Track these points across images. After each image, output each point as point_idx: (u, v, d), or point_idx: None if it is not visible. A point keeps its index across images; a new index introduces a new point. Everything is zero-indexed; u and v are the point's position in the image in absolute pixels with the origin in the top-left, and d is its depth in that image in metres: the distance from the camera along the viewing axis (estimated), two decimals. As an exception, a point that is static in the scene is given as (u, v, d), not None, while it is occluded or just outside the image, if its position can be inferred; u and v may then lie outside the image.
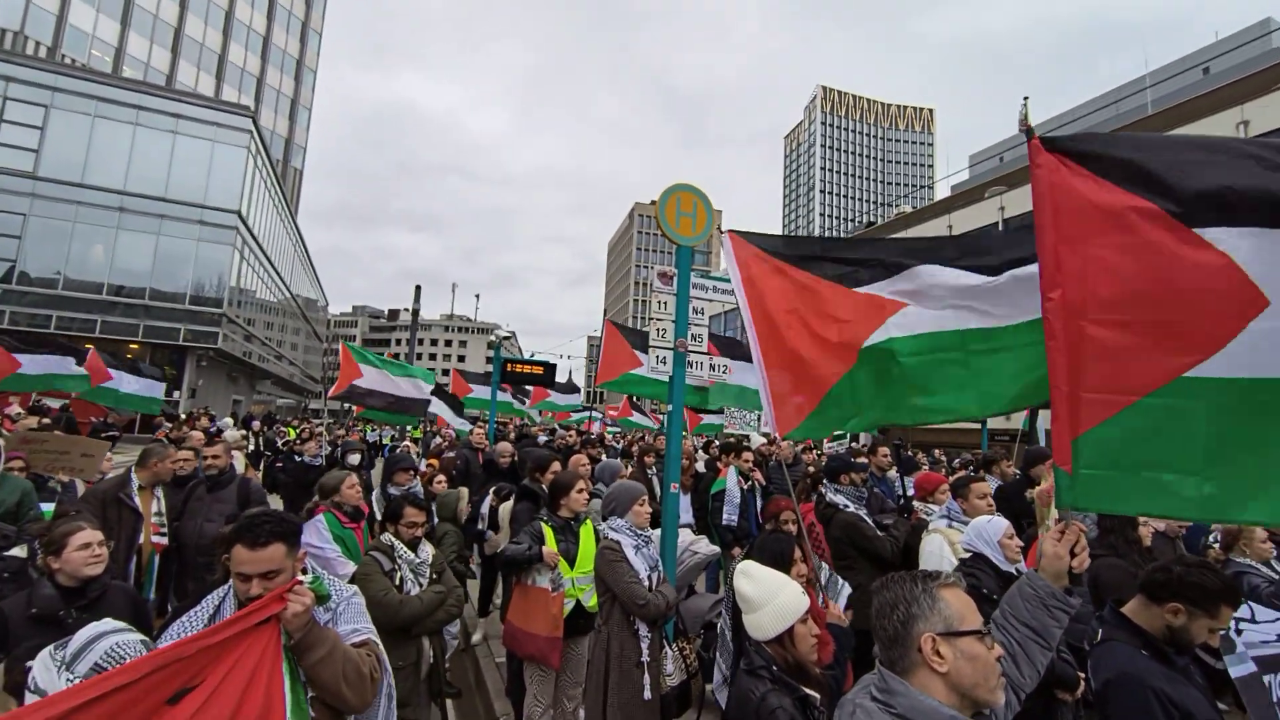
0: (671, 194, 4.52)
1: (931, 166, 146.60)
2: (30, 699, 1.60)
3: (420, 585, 3.26)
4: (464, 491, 5.65)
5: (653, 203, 4.55)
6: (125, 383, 9.96)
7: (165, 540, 4.38)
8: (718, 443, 9.84)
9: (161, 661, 1.46)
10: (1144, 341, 1.76)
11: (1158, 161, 1.79)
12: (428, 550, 3.43)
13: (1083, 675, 2.54)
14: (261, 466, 13.06)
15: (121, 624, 1.85)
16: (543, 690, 3.60)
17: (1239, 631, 2.20)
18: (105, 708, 1.35)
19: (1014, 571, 2.90)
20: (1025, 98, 2.12)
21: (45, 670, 1.60)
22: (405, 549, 3.31)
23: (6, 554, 3.23)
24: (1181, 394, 1.72)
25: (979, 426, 12.00)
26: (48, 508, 4.38)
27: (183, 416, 16.18)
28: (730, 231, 3.44)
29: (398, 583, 3.18)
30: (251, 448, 15.15)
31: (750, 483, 6.18)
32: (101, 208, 25.79)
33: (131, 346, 26.35)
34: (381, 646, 2.04)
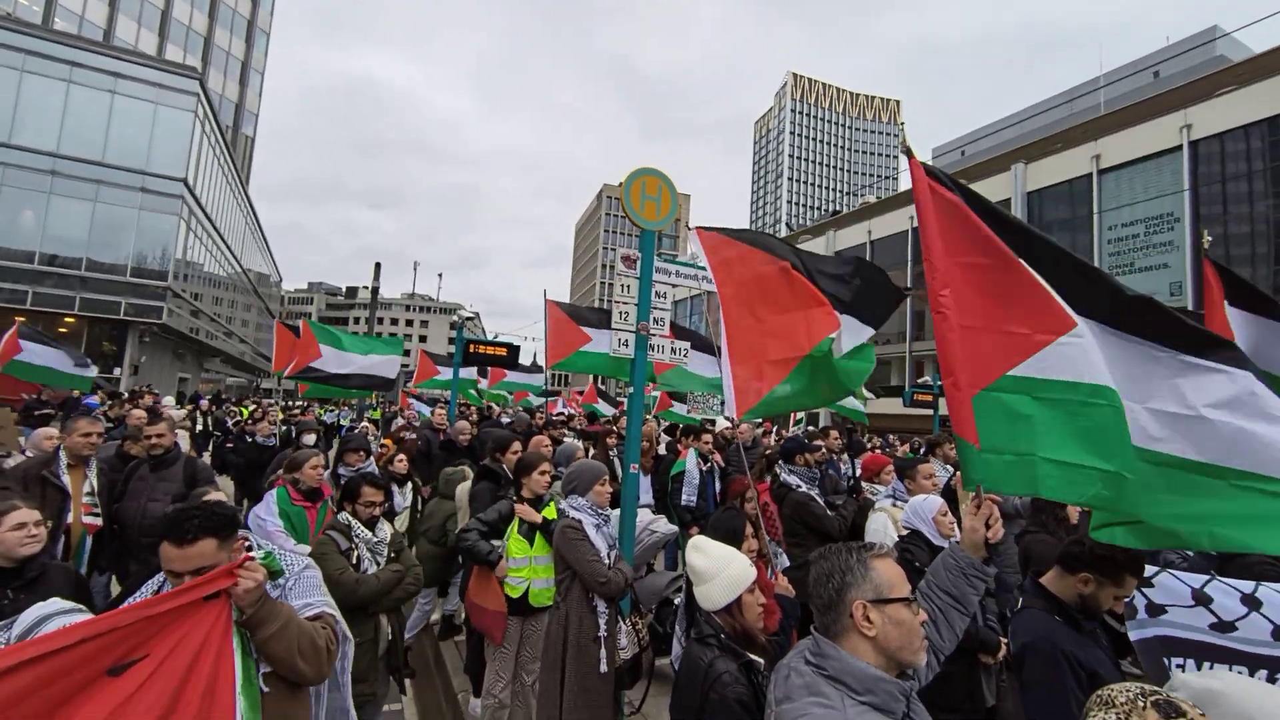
0: (636, 178, 4.52)
1: (897, 157, 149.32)
2: None
3: (378, 564, 3.25)
4: (468, 470, 5.61)
5: (620, 185, 4.55)
6: (36, 355, 9.43)
7: (97, 521, 4.23)
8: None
9: (99, 629, 1.43)
10: (987, 345, 2.14)
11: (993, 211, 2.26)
12: (386, 529, 3.42)
13: (1005, 640, 2.73)
14: (211, 447, 12.65)
15: (71, 604, 1.79)
16: (503, 665, 3.65)
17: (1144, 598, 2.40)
18: (38, 672, 1.31)
19: (945, 546, 3.08)
20: (902, 122, 2.49)
21: None
22: (363, 528, 3.29)
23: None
24: (1011, 389, 2.11)
25: (930, 412, 12.49)
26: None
27: (124, 395, 15.48)
28: (698, 227, 3.66)
29: (355, 561, 3.17)
30: (199, 428, 14.64)
31: (709, 464, 6.32)
32: (31, 170, 24.09)
33: (67, 319, 24.94)
34: (340, 618, 2.05)
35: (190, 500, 3.24)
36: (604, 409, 15.57)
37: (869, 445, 12.38)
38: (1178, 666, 2.08)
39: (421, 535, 5.35)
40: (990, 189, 25.33)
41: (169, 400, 15.22)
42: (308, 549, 3.44)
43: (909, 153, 2.37)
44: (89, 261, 25.25)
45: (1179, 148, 21.29)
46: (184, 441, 7.79)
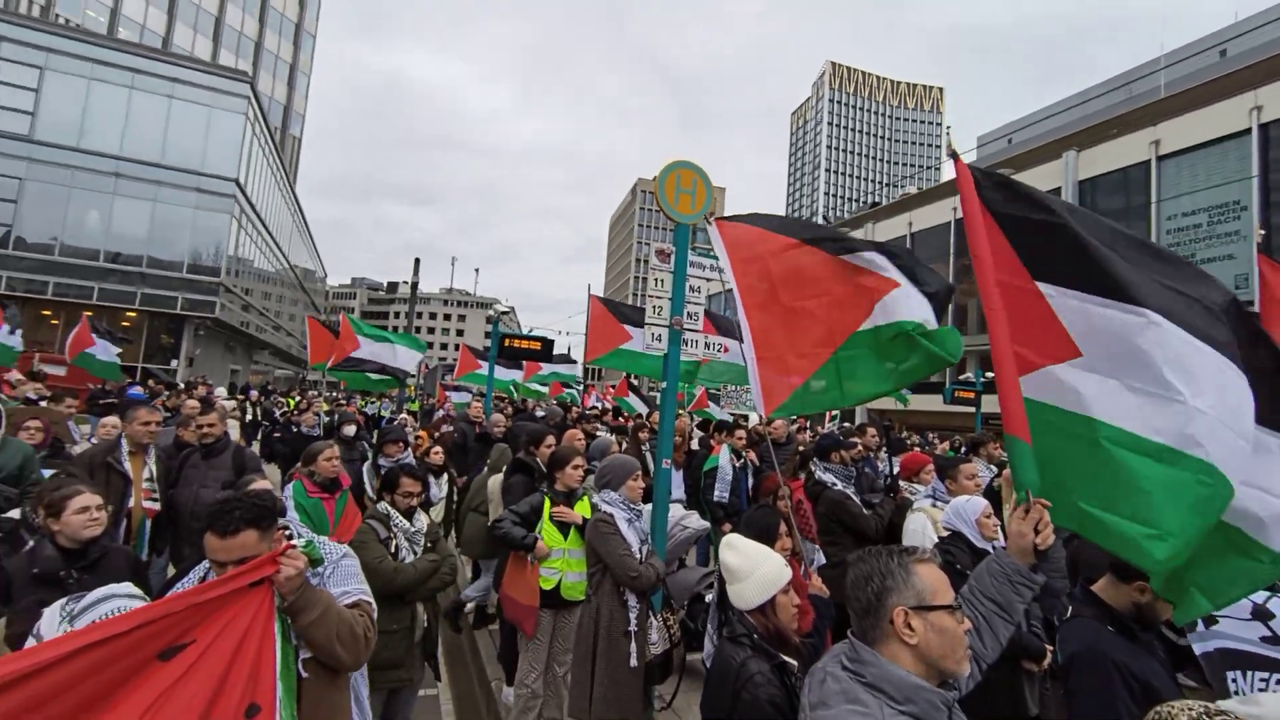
0: (671, 171, 4.49)
1: (939, 147, 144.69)
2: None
3: (415, 553, 3.32)
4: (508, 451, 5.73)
5: (654, 179, 4.53)
6: (102, 350, 10.00)
7: (156, 505, 4.45)
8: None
9: (151, 616, 1.49)
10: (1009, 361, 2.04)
11: (1029, 215, 2.17)
12: (423, 520, 3.49)
13: (1050, 647, 2.62)
14: (260, 436, 13.17)
15: (137, 591, 1.87)
16: (536, 656, 3.70)
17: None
18: (95, 657, 1.38)
19: (989, 549, 2.98)
20: (948, 127, 2.42)
21: (51, 619, 1.65)
22: (401, 518, 3.37)
23: (4, 515, 3.29)
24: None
25: (972, 410, 12.10)
26: (49, 472, 4.44)
27: (180, 385, 16.24)
28: (718, 219, 3.50)
29: (393, 550, 3.24)
30: (249, 418, 15.27)
31: (743, 460, 6.26)
32: (97, 173, 25.44)
33: (129, 314, 26.28)
34: (374, 606, 2.10)
35: (238, 488, 3.38)
36: (635, 404, 15.61)
37: (909, 443, 12.09)
38: (1231, 680, 1.97)
39: (473, 510, 5.45)
40: (1039, 178, 24.30)
41: (221, 391, 15.90)
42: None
43: (954, 155, 2.28)
44: (149, 259, 26.56)
45: (1247, 131, 19.98)
46: (234, 431, 8.14)
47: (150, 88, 26.48)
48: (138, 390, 10.63)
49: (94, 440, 5.03)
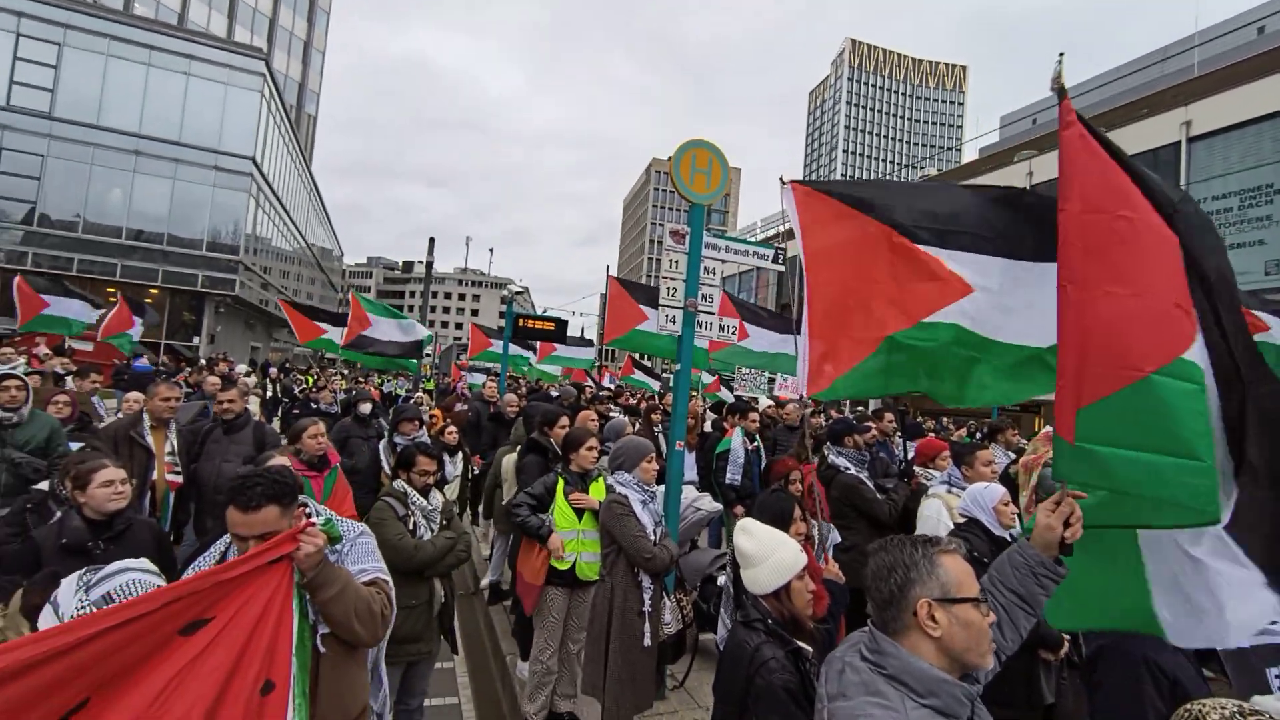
0: (686, 150, 4.42)
1: (961, 128, 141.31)
2: (45, 618, 1.69)
3: (432, 530, 3.35)
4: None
5: (669, 159, 4.46)
6: (135, 327, 10.19)
7: (179, 479, 4.54)
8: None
9: (176, 594, 1.52)
10: (1146, 319, 1.77)
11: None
12: (438, 498, 3.52)
13: (1067, 637, 2.60)
14: (280, 412, 13.39)
15: (152, 567, 1.90)
16: (551, 634, 3.76)
17: None
18: (121, 635, 1.41)
19: (1007, 537, 2.94)
20: (1060, 54, 1.97)
21: (68, 590, 1.69)
22: (418, 495, 3.40)
23: (34, 487, 3.37)
24: (1180, 375, 1.73)
25: (990, 396, 11.95)
26: (77, 446, 4.54)
27: (202, 362, 16.51)
28: (794, 182, 3.23)
29: (411, 528, 3.28)
30: (269, 394, 15.51)
31: (755, 443, 6.25)
32: (118, 150, 25.66)
33: (151, 291, 26.65)
34: (391, 583, 2.13)
35: (258, 463, 3.43)
36: (645, 380, 15.65)
37: (924, 428, 11.98)
38: (1276, 676, 1.92)
39: (498, 487, 5.64)
40: (1066, 160, 23.66)
41: (242, 368, 16.17)
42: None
43: (1062, 92, 1.93)
44: (169, 237, 26.88)
45: (1286, 111, 19.27)
46: (255, 407, 8.28)
47: (167, 65, 26.55)
48: (144, 364, 10.80)
49: (120, 415, 5.14)
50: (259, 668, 1.58)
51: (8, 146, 23.94)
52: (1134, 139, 23.42)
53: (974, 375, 2.79)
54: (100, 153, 25.38)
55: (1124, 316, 1.77)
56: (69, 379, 6.88)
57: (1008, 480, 4.83)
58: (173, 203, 26.88)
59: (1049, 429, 3.74)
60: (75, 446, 4.41)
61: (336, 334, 10.19)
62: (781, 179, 3.24)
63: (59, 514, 2.91)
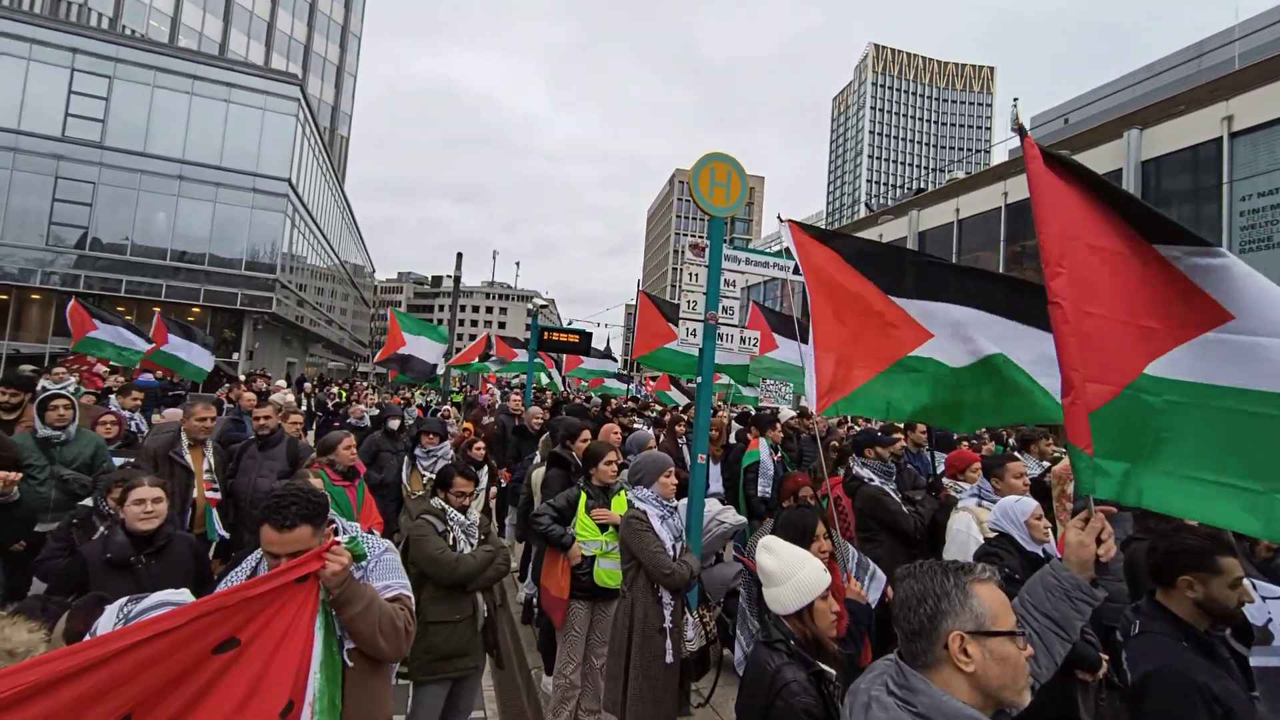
0: (705, 164, 4.44)
1: (989, 129, 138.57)
2: None
3: (471, 544, 3.38)
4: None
5: (689, 171, 4.50)
6: (179, 349, 10.54)
7: (218, 495, 4.69)
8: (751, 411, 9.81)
9: (205, 609, 1.57)
10: (1121, 336, 1.92)
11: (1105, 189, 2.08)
12: (475, 514, 3.57)
13: (1105, 656, 2.50)
14: (314, 426, 13.73)
15: (191, 598, 1.97)
16: (574, 648, 3.76)
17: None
18: (150, 650, 1.45)
19: (1040, 553, 2.85)
20: (1015, 99, 2.30)
21: (109, 618, 1.75)
22: (456, 512, 3.43)
23: (80, 503, 3.52)
24: (1147, 389, 1.90)
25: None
26: (121, 461, 4.73)
27: (241, 378, 17.05)
28: (790, 221, 3.58)
29: (450, 543, 3.31)
30: (304, 408, 15.93)
31: (780, 454, 6.19)
32: (163, 176, 26.83)
33: (194, 310, 27.70)
34: (414, 600, 2.16)
35: (293, 479, 3.53)
36: (676, 397, 15.60)
37: (954, 438, 11.64)
38: None
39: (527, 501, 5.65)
40: (1098, 159, 23.00)
41: (280, 383, 16.64)
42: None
43: (1022, 131, 2.15)
44: (210, 257, 27.92)
45: (1335, 104, 18.45)
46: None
47: (209, 93, 27.73)
48: (148, 378, 11.11)
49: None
50: (281, 688, 1.62)
51: (63, 175, 25.23)
52: (1171, 137, 22.68)
53: (963, 403, 3.17)
54: (147, 178, 26.58)
55: (1106, 334, 1.91)
56: (112, 397, 7.16)
57: (1041, 489, 4.68)
58: (214, 224, 27.95)
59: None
60: (119, 463, 4.60)
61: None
62: (779, 217, 3.72)
63: (103, 529, 3.04)
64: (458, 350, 14.11)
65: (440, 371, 10.51)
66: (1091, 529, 1.69)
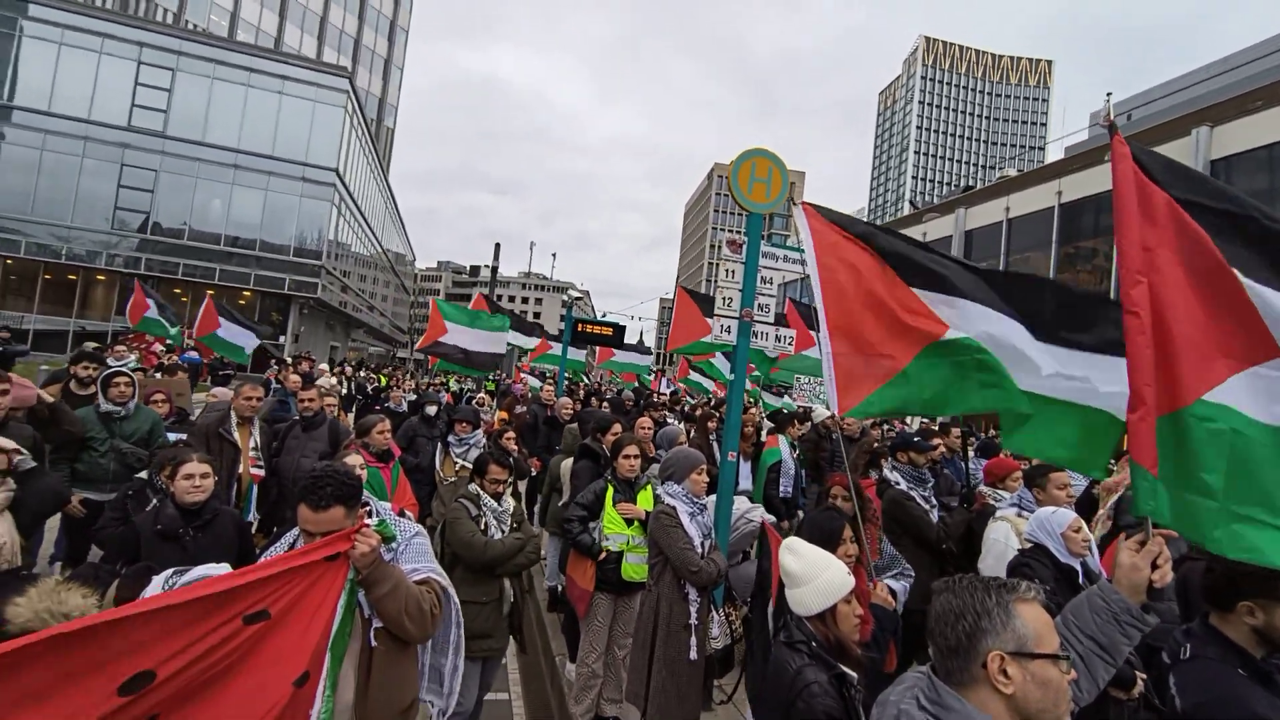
0: (746, 159, 4.39)
1: (1044, 125, 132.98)
2: None
3: (503, 531, 3.48)
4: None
5: (730, 165, 4.45)
6: (231, 334, 10.99)
7: (262, 472, 4.88)
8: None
9: (236, 581, 1.66)
10: (1186, 356, 1.84)
11: (1208, 198, 1.97)
12: (509, 502, 3.65)
13: (1141, 675, 2.39)
14: (354, 409, 14.16)
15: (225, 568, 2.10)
16: (597, 638, 3.80)
17: None
18: (186, 613, 1.55)
19: (1075, 566, 2.75)
20: (1109, 94, 2.16)
21: (155, 589, 1.85)
22: (490, 499, 3.53)
23: (136, 476, 3.72)
24: (1203, 416, 1.83)
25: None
26: (176, 436, 4.98)
27: (288, 360, 17.70)
28: (805, 204, 3.34)
29: (483, 528, 3.42)
30: (344, 391, 16.44)
31: (796, 451, 6.11)
32: (219, 164, 28.00)
33: (244, 294, 28.86)
34: (445, 581, 2.22)
35: (334, 460, 3.65)
36: (697, 379, 15.62)
37: (996, 443, 11.26)
38: None
39: (555, 491, 5.84)
40: (1165, 158, 21.84)
41: (323, 366, 17.20)
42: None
43: (1113, 128, 2.03)
44: (261, 243, 29.03)
45: None
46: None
47: (264, 85, 28.75)
48: (193, 354, 11.59)
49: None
50: (300, 660, 1.70)
51: (128, 163, 26.58)
52: (1244, 135, 21.38)
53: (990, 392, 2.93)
54: (204, 167, 27.78)
55: (1173, 349, 1.84)
56: (157, 375, 7.51)
57: (1090, 503, 4.49)
58: (265, 212, 29.05)
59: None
60: (173, 438, 4.84)
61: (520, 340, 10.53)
62: (792, 200, 3.51)
63: (155, 501, 3.20)
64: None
65: (504, 354, 10.60)
66: (1148, 552, 1.61)
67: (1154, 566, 1.61)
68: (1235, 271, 1.86)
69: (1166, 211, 1.94)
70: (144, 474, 3.66)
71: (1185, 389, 1.83)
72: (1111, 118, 2.05)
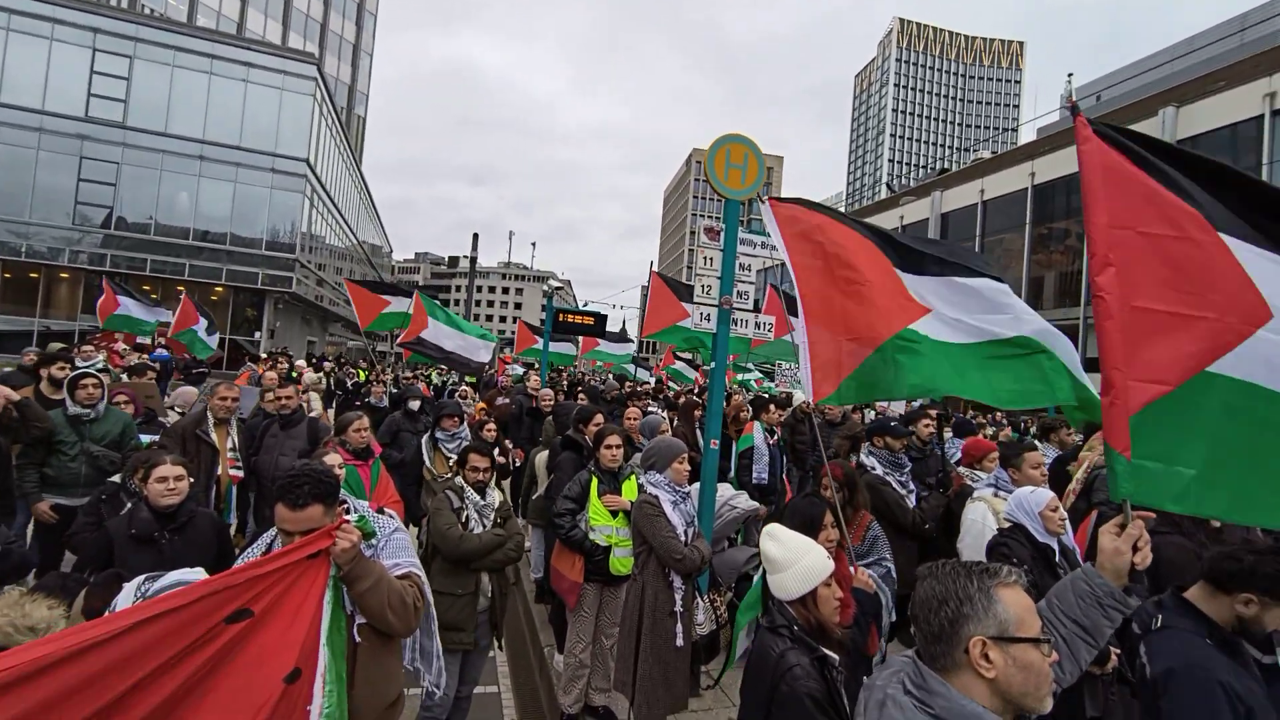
0: (721, 145, 4.37)
1: (1018, 108, 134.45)
2: None
3: (484, 526, 3.46)
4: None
5: (706, 151, 4.43)
6: (203, 330, 10.75)
7: (241, 473, 4.80)
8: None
9: (217, 586, 1.64)
10: (1177, 331, 1.82)
11: (1185, 168, 1.95)
12: (495, 496, 3.63)
13: (1116, 650, 2.48)
14: (334, 405, 13.96)
15: (199, 573, 2.05)
16: (583, 629, 3.83)
17: None
18: (166, 624, 1.52)
19: (1053, 545, 2.83)
20: (1069, 74, 2.13)
21: (127, 596, 1.81)
22: (473, 492, 3.51)
23: (108, 479, 3.63)
24: (1201, 389, 1.81)
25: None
26: (147, 438, 4.86)
27: (263, 356, 17.36)
28: (771, 199, 3.39)
29: (463, 520, 3.40)
30: (324, 387, 16.18)
31: (776, 437, 6.15)
32: (184, 156, 27.11)
33: (216, 289, 28.16)
34: (424, 578, 2.22)
35: (312, 459, 3.60)
36: (682, 369, 15.74)
37: (974, 423, 11.49)
38: None
39: (534, 483, 5.81)
40: (1133, 139, 22.24)
41: (300, 362, 16.90)
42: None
43: (1075, 109, 2.00)
44: (232, 236, 28.28)
45: (1386, 79, 17.60)
46: (317, 402, 8.64)
47: (227, 72, 27.83)
48: (163, 352, 11.33)
49: (178, 409, 5.47)
50: (288, 657, 1.68)
51: (87, 155, 25.61)
52: (1209, 114, 21.85)
53: (977, 376, 3.01)
54: (169, 159, 26.88)
55: (1159, 330, 1.82)
56: (123, 376, 7.32)
57: (1061, 477, 4.61)
58: (234, 204, 28.25)
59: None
60: (146, 440, 4.73)
61: (401, 304, 10.21)
62: (760, 196, 3.56)
63: (129, 505, 3.13)
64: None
65: (485, 362, 10.41)
66: (1128, 536, 1.65)
67: (1134, 549, 1.65)
68: (1222, 236, 1.84)
69: (1137, 183, 1.92)
70: (117, 478, 3.58)
71: (1181, 364, 1.81)
72: (1074, 99, 2.03)
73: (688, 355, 16.72)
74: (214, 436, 4.69)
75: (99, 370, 5.86)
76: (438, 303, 10.37)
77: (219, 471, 4.68)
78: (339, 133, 36.73)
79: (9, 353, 20.79)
